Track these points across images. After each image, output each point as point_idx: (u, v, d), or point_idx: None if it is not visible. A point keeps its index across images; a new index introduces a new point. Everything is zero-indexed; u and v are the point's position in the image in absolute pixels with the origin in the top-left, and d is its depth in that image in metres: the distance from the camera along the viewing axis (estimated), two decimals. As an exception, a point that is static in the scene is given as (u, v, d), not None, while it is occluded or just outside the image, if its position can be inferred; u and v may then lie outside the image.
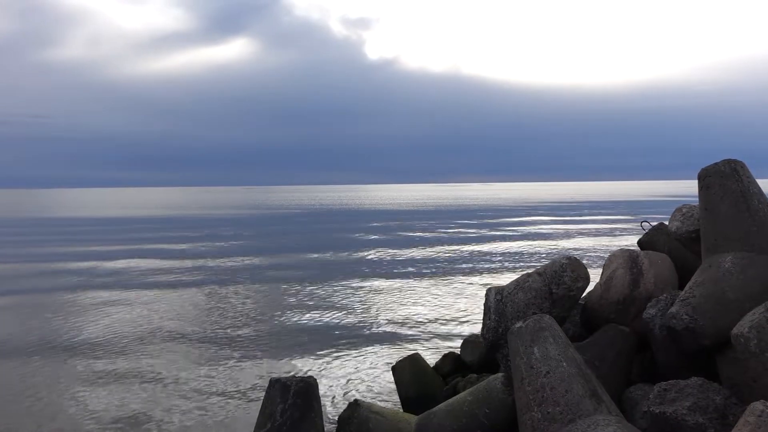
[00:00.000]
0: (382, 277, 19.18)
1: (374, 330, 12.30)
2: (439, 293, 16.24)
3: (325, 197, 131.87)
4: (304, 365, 10.05)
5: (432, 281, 18.27)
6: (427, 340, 11.44)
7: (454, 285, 17.52)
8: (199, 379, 9.45)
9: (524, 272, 5.79)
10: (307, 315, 13.84)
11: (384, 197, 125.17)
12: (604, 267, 6.17)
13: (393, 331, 12.21)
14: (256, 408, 7.79)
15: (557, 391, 4.18)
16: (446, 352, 8.96)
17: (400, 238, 33.03)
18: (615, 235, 32.72)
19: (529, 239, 31.43)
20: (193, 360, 10.45)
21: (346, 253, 26.32)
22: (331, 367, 9.87)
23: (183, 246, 30.10)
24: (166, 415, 8.00)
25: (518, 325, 4.69)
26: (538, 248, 27.14)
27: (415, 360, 7.69)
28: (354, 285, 17.85)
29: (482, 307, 5.75)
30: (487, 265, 21.70)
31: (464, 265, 21.71)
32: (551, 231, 36.54)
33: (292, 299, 15.85)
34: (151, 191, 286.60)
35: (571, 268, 5.52)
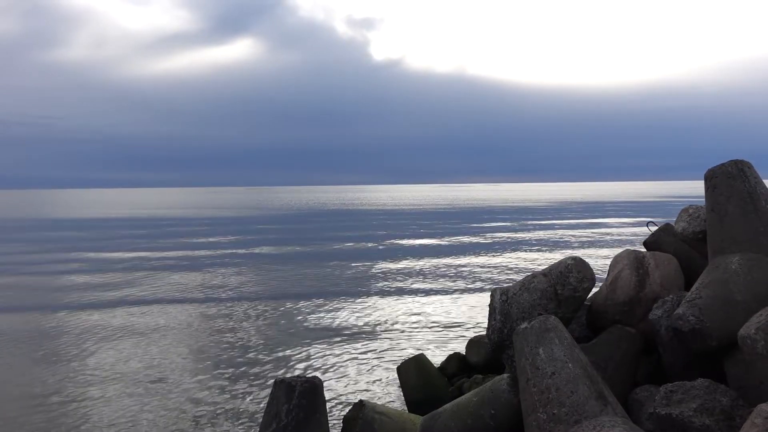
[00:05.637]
0: (387, 277, 19.17)
1: (379, 330, 12.30)
2: (445, 293, 16.21)
3: (330, 198, 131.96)
4: (309, 365, 10.05)
5: (438, 281, 18.25)
6: (432, 340, 11.43)
7: (460, 285, 17.49)
8: (205, 379, 9.47)
9: (530, 273, 5.77)
10: (313, 315, 13.85)
11: (388, 198, 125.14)
12: (610, 268, 6.15)
13: (398, 331, 12.20)
14: (261, 408, 7.82)
15: (563, 392, 4.17)
16: (451, 352, 8.96)
17: (405, 239, 33.01)
18: (621, 236, 32.61)
19: (535, 239, 31.35)
20: (198, 360, 10.48)
21: (352, 253, 26.33)
22: (336, 368, 9.87)
23: (188, 245, 30.19)
24: (171, 415, 8.01)
25: (523, 326, 4.68)
26: (543, 248, 27.08)
27: (420, 361, 7.68)
28: (360, 284, 17.84)
29: (487, 308, 5.74)
30: (491, 265, 21.66)
31: (469, 266, 21.68)
32: (556, 231, 36.44)
33: (298, 299, 15.85)
34: (156, 192, 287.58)
35: (577, 268, 5.51)
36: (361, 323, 12.98)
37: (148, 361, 10.50)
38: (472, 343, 8.35)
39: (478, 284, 17.68)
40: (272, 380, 7.21)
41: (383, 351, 10.78)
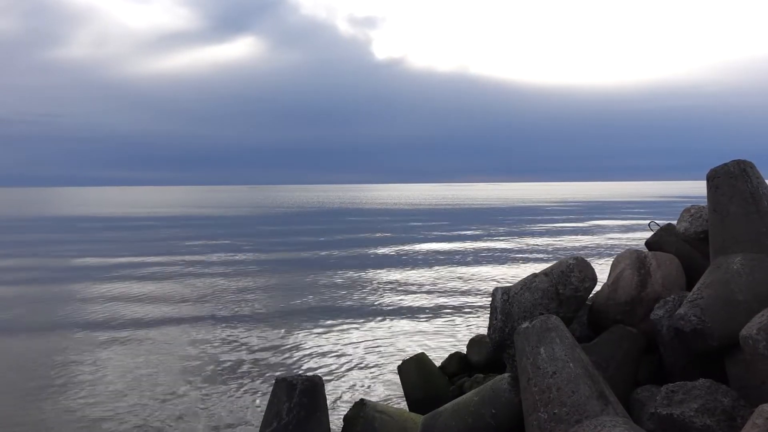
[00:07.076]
0: (389, 276, 19.17)
1: (380, 330, 12.30)
2: (447, 292, 16.21)
3: (331, 197, 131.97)
4: (310, 364, 10.06)
5: (439, 280, 18.24)
6: (433, 339, 11.43)
7: (461, 284, 17.49)
8: (206, 377, 9.47)
9: (531, 272, 5.77)
10: (313, 315, 13.85)
11: (388, 197, 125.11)
12: (612, 268, 6.14)
13: (399, 330, 12.21)
14: (262, 407, 7.82)
15: (564, 391, 4.16)
16: (452, 351, 8.95)
17: (407, 237, 33.01)
18: (622, 236, 32.58)
19: (536, 239, 31.35)
20: (200, 359, 10.49)
21: (354, 250, 26.33)
22: (337, 366, 9.88)
23: (187, 247, 30.22)
24: (172, 414, 8.02)
25: (525, 325, 4.68)
26: (543, 249, 27.07)
27: (421, 360, 7.68)
28: (361, 283, 17.85)
29: (489, 307, 5.74)
30: (492, 265, 21.66)
31: (470, 265, 21.68)
32: (557, 232, 36.43)
33: (298, 297, 15.86)
34: (157, 190, 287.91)
35: (579, 268, 5.50)
36: (362, 321, 12.98)
37: (146, 362, 10.51)
38: (473, 342, 8.35)
39: (480, 283, 17.68)
40: (273, 379, 7.22)
41: (384, 350, 10.78)
